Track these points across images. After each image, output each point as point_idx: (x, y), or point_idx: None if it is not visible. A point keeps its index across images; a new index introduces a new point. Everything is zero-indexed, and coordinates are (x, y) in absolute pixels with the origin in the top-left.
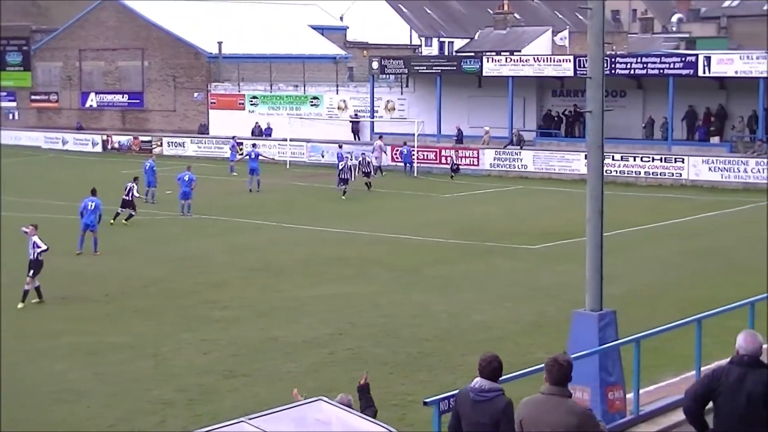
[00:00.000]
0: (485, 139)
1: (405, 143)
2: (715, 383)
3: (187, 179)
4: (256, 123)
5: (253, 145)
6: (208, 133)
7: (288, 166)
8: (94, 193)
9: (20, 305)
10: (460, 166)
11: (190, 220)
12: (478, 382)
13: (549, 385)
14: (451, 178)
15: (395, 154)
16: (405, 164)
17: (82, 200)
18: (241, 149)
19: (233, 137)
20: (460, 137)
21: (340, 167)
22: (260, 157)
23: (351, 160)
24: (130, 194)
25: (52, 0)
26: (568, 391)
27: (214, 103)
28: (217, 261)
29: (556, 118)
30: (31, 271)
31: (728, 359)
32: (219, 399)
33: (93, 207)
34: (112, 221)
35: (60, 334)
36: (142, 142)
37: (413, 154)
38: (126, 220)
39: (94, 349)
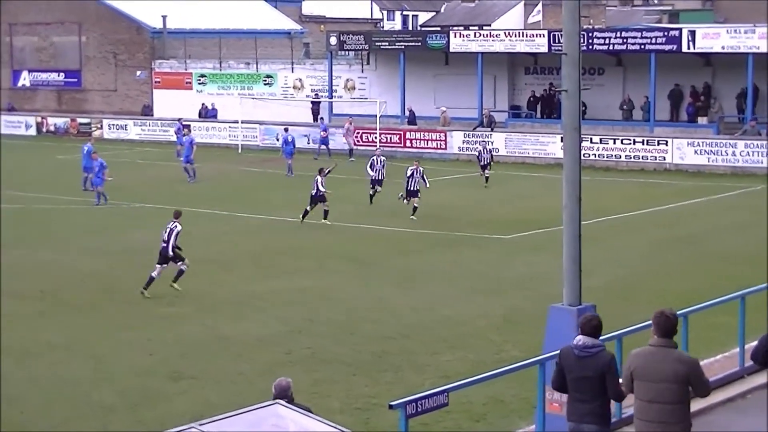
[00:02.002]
0: (443, 120)
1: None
2: None
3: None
4: (203, 104)
5: (186, 127)
6: (152, 115)
7: (240, 151)
8: None
9: (145, 292)
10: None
11: (130, 209)
12: (581, 339)
13: (657, 338)
14: (405, 201)
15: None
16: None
17: None
18: (189, 131)
19: (179, 119)
20: (412, 119)
21: (370, 165)
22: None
23: (379, 158)
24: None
25: None
26: (674, 343)
27: (159, 82)
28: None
29: (531, 99)
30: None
31: None
32: (165, 403)
33: None
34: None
35: None
36: (81, 124)
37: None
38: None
39: (26, 349)
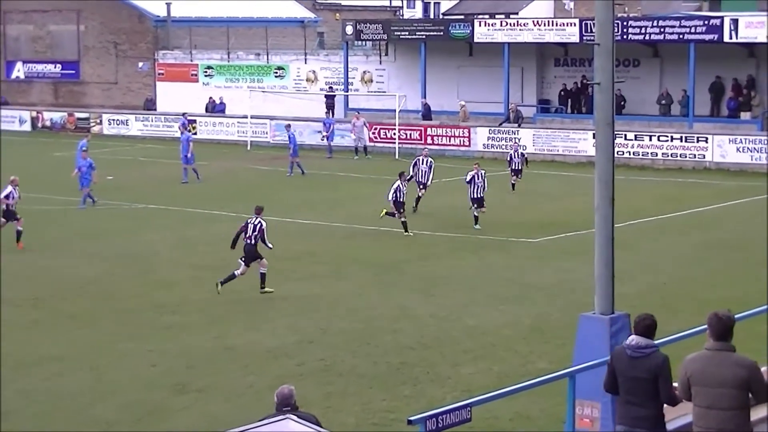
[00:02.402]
0: (462, 115)
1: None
2: None
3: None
4: (210, 98)
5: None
6: (155, 110)
7: (249, 148)
8: None
9: (219, 288)
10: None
11: (131, 210)
12: (634, 339)
13: (713, 341)
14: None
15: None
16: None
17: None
18: (194, 127)
19: (183, 114)
20: (427, 113)
21: (413, 165)
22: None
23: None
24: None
25: None
26: (732, 346)
27: (162, 74)
28: (164, 258)
29: (562, 93)
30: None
31: None
32: (169, 418)
33: None
34: None
35: None
36: (78, 119)
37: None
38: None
39: (21, 361)
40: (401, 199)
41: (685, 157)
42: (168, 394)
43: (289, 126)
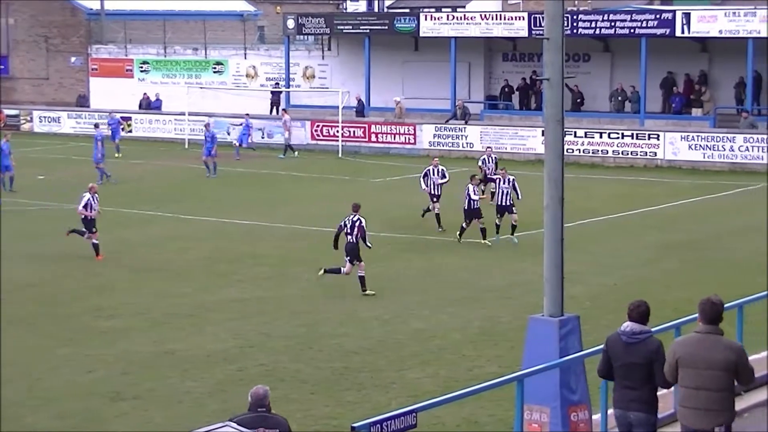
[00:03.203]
0: (398, 111)
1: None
2: None
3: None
4: (144, 94)
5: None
6: (88, 106)
7: (186, 146)
8: None
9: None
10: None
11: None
12: (629, 325)
13: (703, 325)
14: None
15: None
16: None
17: None
18: (128, 125)
19: (110, 113)
20: (361, 109)
21: (424, 176)
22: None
23: None
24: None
25: None
26: (721, 330)
27: (96, 69)
28: (101, 261)
29: (505, 89)
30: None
31: None
32: (105, 426)
33: None
34: None
35: None
36: (8, 116)
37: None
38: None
39: None
40: (472, 207)
41: (637, 154)
42: (104, 401)
43: (208, 125)
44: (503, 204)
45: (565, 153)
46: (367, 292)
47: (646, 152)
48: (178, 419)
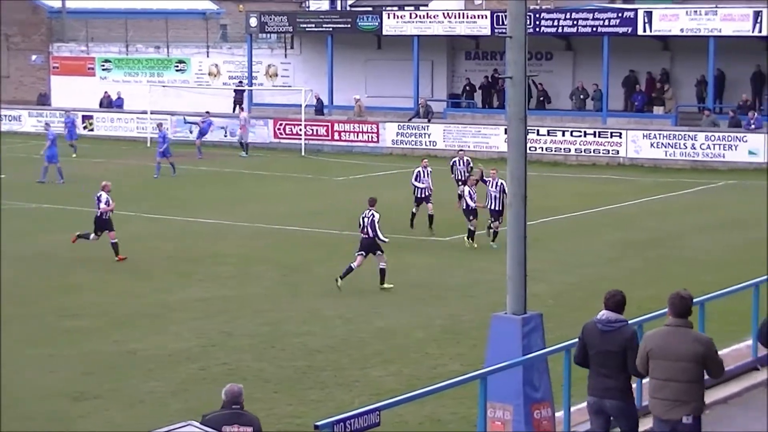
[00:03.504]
0: (357, 110)
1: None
2: None
3: None
4: (105, 92)
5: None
6: (49, 105)
7: (149, 144)
8: None
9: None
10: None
11: (25, 211)
12: (604, 314)
13: (673, 318)
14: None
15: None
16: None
17: None
18: (91, 124)
19: (66, 111)
20: (320, 108)
21: (415, 177)
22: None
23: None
24: None
25: None
26: (691, 323)
27: (57, 67)
28: (65, 260)
29: (467, 87)
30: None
31: None
32: (68, 426)
33: None
34: None
35: None
36: None
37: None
38: None
39: None
40: (469, 208)
41: (599, 152)
42: (66, 401)
43: (161, 125)
44: (493, 208)
45: (528, 151)
46: (385, 285)
47: (609, 150)
48: (141, 419)
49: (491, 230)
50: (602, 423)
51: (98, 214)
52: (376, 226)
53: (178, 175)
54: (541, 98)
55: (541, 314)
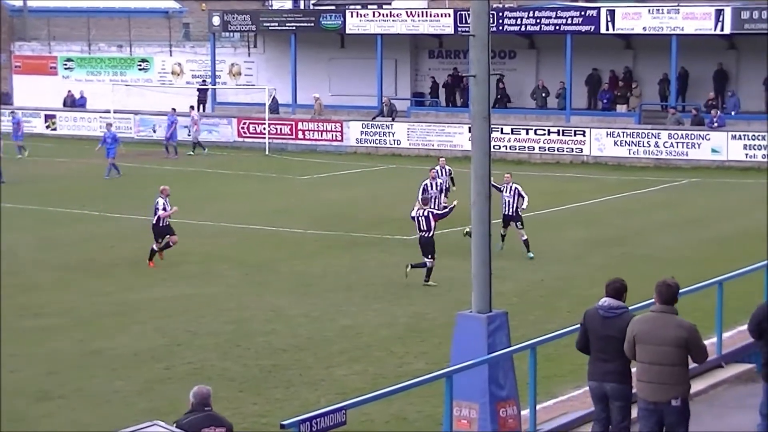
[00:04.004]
0: (316, 109)
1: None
2: None
3: None
4: (69, 91)
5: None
6: (11, 104)
7: None
8: None
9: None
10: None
11: None
12: (606, 301)
13: (659, 305)
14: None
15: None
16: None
17: None
18: (54, 123)
19: (11, 112)
20: (275, 107)
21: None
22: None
23: None
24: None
25: None
26: (675, 310)
27: (19, 66)
28: (26, 259)
29: (432, 85)
30: None
31: None
32: (31, 426)
33: None
34: None
35: None
36: None
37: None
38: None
39: None
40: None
41: (563, 151)
42: (29, 401)
43: (110, 125)
44: (507, 214)
45: (492, 149)
46: (430, 282)
47: (572, 148)
48: (107, 419)
49: (505, 236)
50: (605, 407)
51: (154, 222)
52: (432, 224)
53: (142, 174)
54: (499, 96)
55: (506, 312)
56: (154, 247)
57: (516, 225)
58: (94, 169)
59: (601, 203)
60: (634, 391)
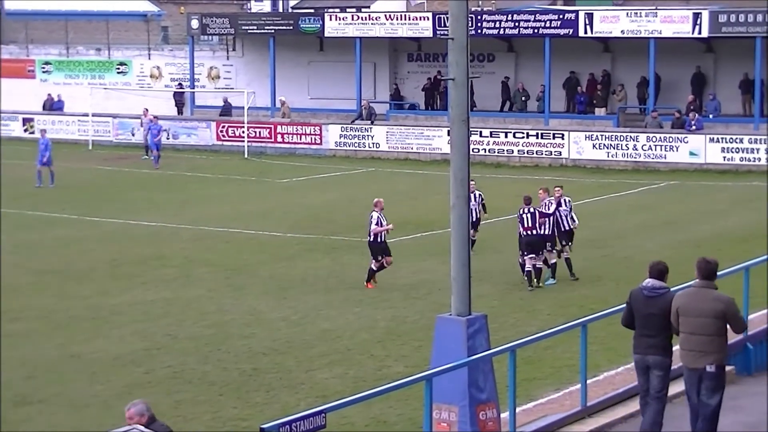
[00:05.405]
0: (283, 111)
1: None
2: None
3: None
4: (49, 95)
5: (43, 132)
6: None
7: (90, 147)
8: None
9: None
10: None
11: None
12: (649, 281)
13: (699, 280)
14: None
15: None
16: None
17: None
18: (31, 126)
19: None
20: (227, 109)
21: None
22: None
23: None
24: None
25: None
26: (714, 284)
27: None
28: (3, 263)
29: (414, 88)
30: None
31: None
32: (10, 431)
33: None
34: None
35: None
36: None
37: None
38: None
39: None
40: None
41: (542, 154)
42: (7, 406)
43: (44, 131)
44: (563, 230)
45: (471, 153)
46: (541, 284)
47: (551, 152)
48: (86, 423)
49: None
50: (647, 379)
51: (371, 239)
52: (537, 220)
53: (121, 178)
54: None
55: (486, 315)
56: (373, 266)
57: (561, 242)
58: (72, 172)
59: (580, 206)
60: (674, 366)
